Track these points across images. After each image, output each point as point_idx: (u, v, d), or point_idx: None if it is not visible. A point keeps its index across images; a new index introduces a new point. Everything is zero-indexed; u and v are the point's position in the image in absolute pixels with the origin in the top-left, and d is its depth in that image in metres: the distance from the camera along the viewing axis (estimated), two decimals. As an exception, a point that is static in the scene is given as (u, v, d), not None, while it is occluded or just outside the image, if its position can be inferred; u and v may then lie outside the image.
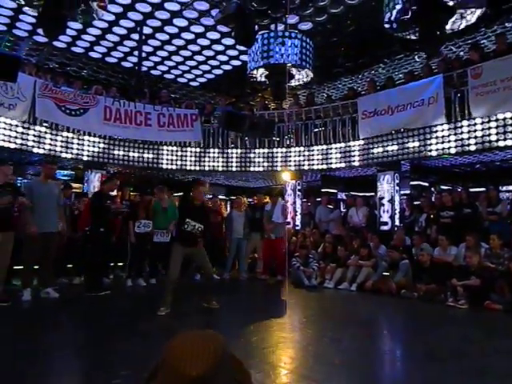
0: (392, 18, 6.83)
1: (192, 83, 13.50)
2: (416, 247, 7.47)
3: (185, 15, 9.32)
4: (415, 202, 9.33)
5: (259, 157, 10.71)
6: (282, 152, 10.59)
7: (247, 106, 12.17)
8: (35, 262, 5.90)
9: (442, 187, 10.39)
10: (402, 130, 8.73)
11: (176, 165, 10.71)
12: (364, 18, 8.96)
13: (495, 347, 4.11)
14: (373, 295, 7.02)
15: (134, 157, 10.38)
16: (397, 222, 8.90)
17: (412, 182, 10.26)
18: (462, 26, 6.92)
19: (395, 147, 8.83)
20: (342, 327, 4.92)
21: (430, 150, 8.25)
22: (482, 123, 7.52)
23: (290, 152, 10.50)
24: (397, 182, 9.01)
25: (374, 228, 8.89)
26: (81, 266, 7.20)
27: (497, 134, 7.33)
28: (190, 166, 10.77)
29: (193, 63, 11.99)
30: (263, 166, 10.65)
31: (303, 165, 10.30)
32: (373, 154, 9.20)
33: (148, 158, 10.53)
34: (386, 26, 6.95)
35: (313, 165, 10.18)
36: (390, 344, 4.72)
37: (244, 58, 10.53)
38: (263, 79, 8.97)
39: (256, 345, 4.02)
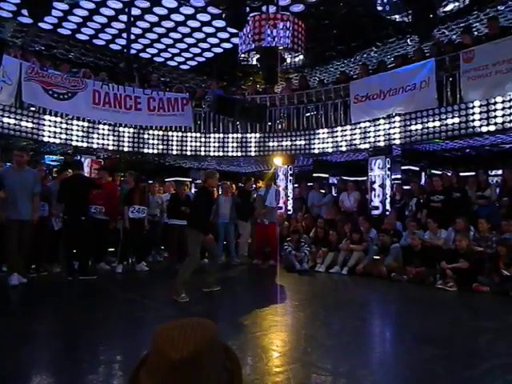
0: (385, 1, 6.77)
1: (182, 66, 13.30)
2: (409, 231, 7.50)
3: (174, -4, 9.12)
4: (406, 187, 9.39)
5: (251, 141, 10.64)
6: (273, 136, 10.52)
7: (239, 90, 12.04)
8: (14, 247, 5.79)
9: (433, 171, 10.47)
10: (394, 114, 8.71)
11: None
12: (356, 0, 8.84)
13: (483, 328, 4.20)
14: (363, 279, 7.11)
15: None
16: (388, 207, 8.97)
17: (403, 167, 10.31)
18: (455, 9, 6.88)
19: (387, 132, 8.82)
20: (333, 310, 4.99)
21: (421, 135, 8.26)
22: (473, 107, 7.53)
23: (282, 136, 10.44)
24: (388, 166, 9.05)
25: (365, 212, 8.95)
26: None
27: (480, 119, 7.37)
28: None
29: (183, 46, 11.78)
30: (255, 151, 10.60)
31: (294, 149, 10.27)
32: (364, 138, 9.19)
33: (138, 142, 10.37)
34: (379, 8, 6.90)
35: (304, 149, 10.15)
36: (381, 326, 4.80)
37: (235, 40, 10.37)
38: (254, 62, 8.87)
39: (248, 329, 4.05)
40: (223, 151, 10.68)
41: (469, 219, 7.00)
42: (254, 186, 9.13)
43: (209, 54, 12.27)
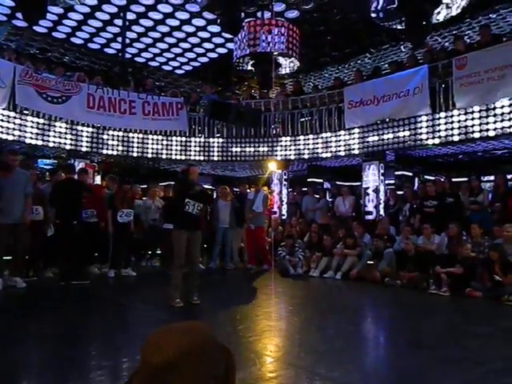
0: (379, 7, 6.84)
1: (177, 71, 13.32)
2: (403, 236, 7.52)
3: (169, 1, 9.15)
4: (399, 192, 9.45)
5: (246, 146, 10.64)
6: (268, 142, 10.54)
7: (233, 95, 12.07)
8: (4, 252, 5.74)
9: (426, 177, 10.53)
10: (388, 119, 8.78)
11: (162, 154, 10.52)
12: (351, 6, 8.93)
13: (476, 333, 4.22)
14: (357, 283, 7.11)
15: (118, 146, 10.12)
16: (381, 212, 9.01)
17: (397, 172, 10.37)
18: (448, 17, 6.96)
19: (380, 137, 8.88)
20: (327, 315, 4.98)
21: (415, 140, 8.32)
22: (466, 113, 7.61)
23: (277, 142, 10.46)
24: (382, 171, 9.09)
25: (359, 217, 8.98)
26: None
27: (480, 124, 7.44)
28: (176, 155, 10.61)
29: (178, 50, 11.81)
30: (249, 156, 10.61)
31: (289, 154, 10.30)
32: (358, 143, 9.24)
33: (135, 147, 10.30)
34: (373, 15, 6.96)
35: (299, 154, 10.18)
36: (375, 331, 4.80)
37: (230, 45, 10.41)
38: (249, 67, 8.90)
39: (242, 333, 4.03)
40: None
41: (461, 224, 7.04)
42: (249, 190, 9.14)
43: (204, 59, 12.31)
